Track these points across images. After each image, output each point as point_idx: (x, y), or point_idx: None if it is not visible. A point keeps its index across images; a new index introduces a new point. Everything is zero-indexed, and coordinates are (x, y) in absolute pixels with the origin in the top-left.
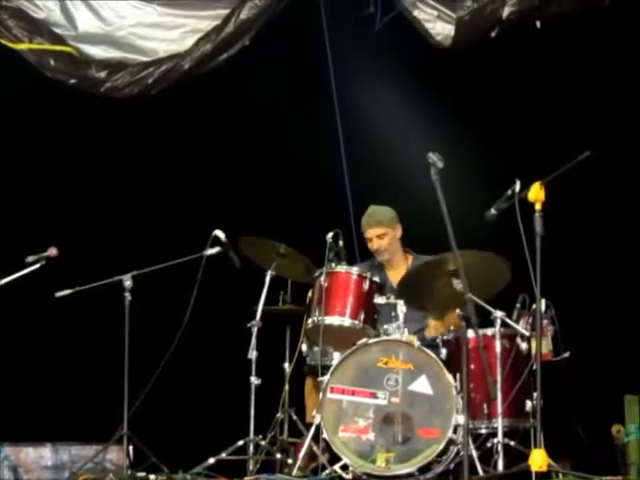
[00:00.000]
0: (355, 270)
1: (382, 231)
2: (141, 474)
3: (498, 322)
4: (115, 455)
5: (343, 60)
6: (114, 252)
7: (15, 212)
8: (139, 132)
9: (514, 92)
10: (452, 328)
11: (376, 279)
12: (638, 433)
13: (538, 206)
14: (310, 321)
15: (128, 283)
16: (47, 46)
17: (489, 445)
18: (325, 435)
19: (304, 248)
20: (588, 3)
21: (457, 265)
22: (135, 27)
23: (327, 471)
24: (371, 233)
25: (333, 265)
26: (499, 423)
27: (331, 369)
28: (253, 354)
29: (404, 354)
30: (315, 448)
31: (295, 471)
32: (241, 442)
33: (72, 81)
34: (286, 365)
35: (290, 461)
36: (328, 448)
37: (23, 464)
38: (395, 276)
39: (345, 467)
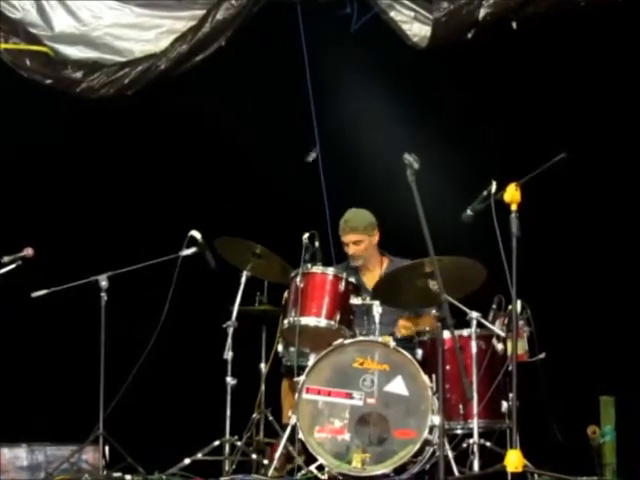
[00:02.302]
0: (331, 271)
1: (357, 238)
2: (117, 474)
3: (474, 323)
4: (91, 456)
5: (320, 60)
6: (90, 252)
7: None
8: (115, 133)
9: (490, 93)
10: (427, 329)
11: (352, 280)
12: (613, 434)
13: (514, 207)
14: (286, 322)
15: (104, 283)
16: (23, 46)
17: (465, 446)
18: (301, 436)
19: (280, 249)
20: (564, 4)
21: (433, 268)
22: (111, 27)
23: (303, 472)
24: (347, 239)
25: (309, 266)
26: (475, 424)
27: (307, 370)
28: (229, 354)
29: (380, 355)
30: (291, 449)
31: (271, 472)
32: (217, 442)
33: (48, 81)
34: (262, 366)
35: (266, 462)
36: (304, 449)
37: None
38: (370, 279)
39: (321, 468)
